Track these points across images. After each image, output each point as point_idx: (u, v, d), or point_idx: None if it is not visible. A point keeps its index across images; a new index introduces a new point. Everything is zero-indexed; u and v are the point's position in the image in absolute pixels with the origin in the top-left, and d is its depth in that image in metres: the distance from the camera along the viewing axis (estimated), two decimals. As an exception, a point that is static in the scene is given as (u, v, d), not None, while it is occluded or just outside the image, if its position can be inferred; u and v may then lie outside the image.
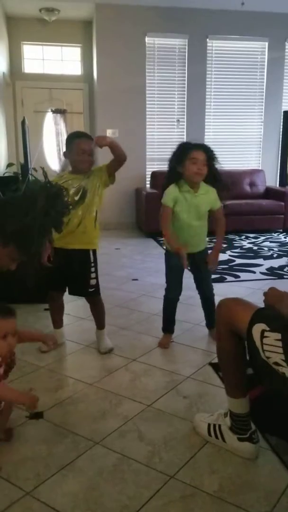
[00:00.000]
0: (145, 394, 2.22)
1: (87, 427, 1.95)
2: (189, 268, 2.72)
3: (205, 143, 2.71)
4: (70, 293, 2.75)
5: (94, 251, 2.66)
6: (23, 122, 3.78)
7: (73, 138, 2.59)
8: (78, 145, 2.54)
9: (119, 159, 2.54)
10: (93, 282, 2.66)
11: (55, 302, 2.82)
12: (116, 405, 2.14)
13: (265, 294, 1.65)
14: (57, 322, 2.85)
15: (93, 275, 2.65)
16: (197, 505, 1.53)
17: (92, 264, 2.64)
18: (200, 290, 2.90)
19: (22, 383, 2.33)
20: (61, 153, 6.65)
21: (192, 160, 2.57)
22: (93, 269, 2.65)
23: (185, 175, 2.62)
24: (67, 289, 2.77)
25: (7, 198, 1.75)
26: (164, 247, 2.85)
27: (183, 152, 2.62)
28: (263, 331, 1.51)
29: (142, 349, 2.74)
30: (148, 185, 6.96)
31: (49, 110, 6.93)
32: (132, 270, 4.62)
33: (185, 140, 7.03)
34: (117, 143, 2.52)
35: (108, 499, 1.56)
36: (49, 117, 6.87)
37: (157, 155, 7.10)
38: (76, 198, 2.53)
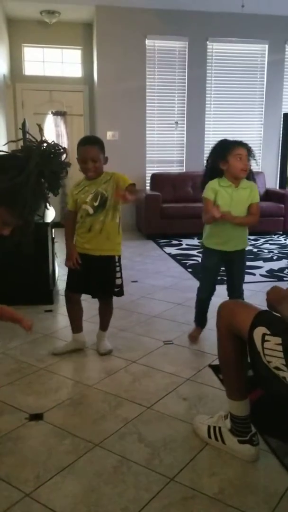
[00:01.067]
0: (145, 396, 2.22)
1: (86, 429, 1.95)
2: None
3: (239, 140, 2.68)
4: (94, 296, 2.74)
5: (119, 257, 2.69)
6: (23, 124, 3.78)
7: (78, 146, 2.49)
8: (80, 153, 2.46)
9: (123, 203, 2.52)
10: (118, 281, 2.68)
11: (73, 304, 2.76)
12: (116, 407, 2.13)
13: (267, 293, 1.65)
14: (77, 326, 2.77)
15: (118, 274, 2.67)
16: (197, 507, 1.53)
17: (117, 264, 2.68)
18: (229, 292, 2.84)
19: (22, 384, 2.32)
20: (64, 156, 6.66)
21: (237, 156, 2.56)
22: (118, 269, 2.68)
23: (228, 171, 2.60)
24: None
25: (2, 155, 1.64)
26: (199, 243, 2.83)
27: (225, 148, 2.60)
28: (264, 335, 1.51)
29: (142, 351, 2.74)
30: (148, 187, 6.96)
31: (50, 112, 6.93)
32: (131, 272, 4.62)
33: (185, 142, 7.06)
34: (134, 199, 2.52)
35: (108, 501, 1.55)
36: (50, 119, 6.87)
37: (156, 157, 7.11)
38: (95, 203, 2.52)
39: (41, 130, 1.72)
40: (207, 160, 2.73)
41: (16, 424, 1.97)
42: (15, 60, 6.93)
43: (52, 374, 2.46)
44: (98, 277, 2.65)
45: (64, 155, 1.70)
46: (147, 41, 6.68)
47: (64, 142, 6.77)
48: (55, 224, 3.96)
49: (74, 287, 2.72)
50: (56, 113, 6.94)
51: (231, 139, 2.67)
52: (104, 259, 2.62)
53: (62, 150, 1.69)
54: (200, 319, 2.88)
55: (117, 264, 2.68)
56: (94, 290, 2.70)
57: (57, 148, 1.68)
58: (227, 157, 2.58)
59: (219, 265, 2.77)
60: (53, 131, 6.93)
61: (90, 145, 2.51)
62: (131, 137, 6.73)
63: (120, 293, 2.72)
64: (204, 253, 2.80)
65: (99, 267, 2.63)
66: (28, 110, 6.84)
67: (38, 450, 1.81)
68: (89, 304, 2.90)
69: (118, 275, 2.67)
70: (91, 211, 2.54)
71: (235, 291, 2.80)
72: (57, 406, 2.13)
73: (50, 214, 3.77)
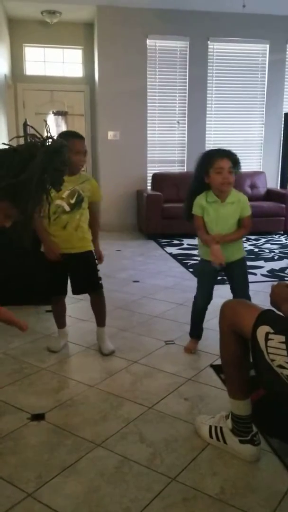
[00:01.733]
0: (146, 396, 2.22)
1: (88, 429, 1.95)
2: (219, 268, 2.60)
3: (227, 149, 2.61)
4: (75, 293, 2.74)
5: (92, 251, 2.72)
6: (25, 124, 3.78)
7: (68, 138, 2.46)
8: (74, 145, 2.47)
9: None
10: (99, 274, 2.71)
11: (57, 305, 2.83)
12: (117, 407, 2.13)
13: (272, 289, 1.65)
14: (61, 323, 2.86)
15: (97, 267, 2.71)
16: (199, 507, 1.53)
17: (95, 258, 2.72)
18: (233, 292, 2.78)
19: (24, 384, 2.33)
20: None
21: (216, 170, 2.49)
22: (96, 261, 2.72)
23: (211, 185, 2.55)
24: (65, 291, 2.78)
25: (5, 150, 1.66)
26: (198, 254, 2.81)
27: (207, 162, 2.54)
28: (267, 334, 1.51)
29: (143, 351, 2.74)
30: (149, 187, 6.96)
31: (51, 112, 6.94)
32: (133, 272, 4.62)
33: (186, 141, 7.05)
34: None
35: (110, 501, 1.55)
36: (51, 119, 6.88)
37: (158, 157, 7.11)
38: (72, 201, 2.55)
39: (47, 126, 1.73)
40: (194, 174, 2.67)
41: (18, 424, 1.98)
42: (16, 60, 6.94)
43: (53, 374, 2.46)
44: (82, 272, 2.67)
45: (67, 154, 1.71)
46: (148, 41, 6.68)
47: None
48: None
49: (57, 290, 2.75)
50: (57, 113, 6.95)
51: (217, 149, 2.62)
52: (82, 255, 2.65)
53: (66, 148, 1.70)
54: (197, 330, 2.81)
55: (95, 258, 2.72)
56: (80, 286, 2.72)
57: (61, 145, 1.69)
58: (209, 170, 2.52)
59: (216, 273, 2.70)
60: (54, 131, 6.94)
61: (81, 139, 2.58)
62: (132, 137, 6.73)
63: (102, 286, 2.75)
64: (200, 261, 2.79)
65: (80, 264, 2.64)
66: (29, 110, 6.85)
67: (40, 450, 1.81)
68: (88, 304, 2.90)
69: (98, 267, 2.72)
70: (67, 208, 2.55)
71: (240, 298, 2.76)
72: (59, 406, 2.13)
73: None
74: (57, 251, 2.57)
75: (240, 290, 2.69)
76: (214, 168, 2.50)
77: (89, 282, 2.70)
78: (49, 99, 6.99)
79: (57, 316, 2.85)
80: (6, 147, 1.63)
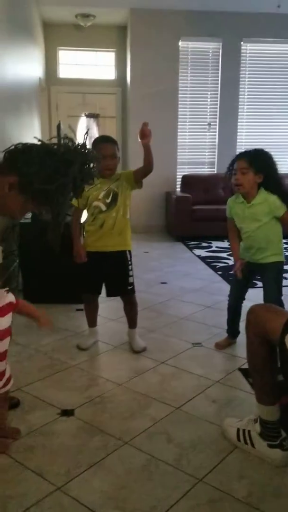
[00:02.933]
0: (173, 397, 2.23)
1: (116, 427, 1.98)
2: (240, 277, 2.66)
3: (249, 150, 2.60)
4: (108, 295, 2.79)
5: (130, 252, 2.74)
6: (58, 126, 3.84)
7: (97, 143, 2.62)
8: (100, 150, 2.55)
9: (147, 167, 2.54)
10: (131, 280, 2.74)
11: (90, 303, 2.88)
12: (145, 406, 2.15)
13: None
14: (92, 322, 2.90)
15: (130, 273, 2.73)
16: (225, 510, 1.53)
17: (129, 263, 2.73)
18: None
19: (54, 380, 2.37)
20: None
21: (233, 171, 2.53)
22: (130, 267, 2.73)
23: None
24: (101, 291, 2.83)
25: (44, 151, 1.68)
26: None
27: (231, 164, 2.58)
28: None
29: (171, 352, 2.75)
30: (178, 189, 6.96)
31: (83, 115, 7.03)
32: (160, 273, 4.64)
33: (216, 143, 7.03)
34: (151, 150, 2.53)
35: (137, 498, 1.57)
36: (83, 121, 6.97)
37: (188, 158, 7.11)
38: (108, 200, 2.60)
39: (87, 133, 1.77)
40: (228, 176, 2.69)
41: (48, 419, 2.02)
42: (50, 63, 7.06)
43: (83, 371, 2.50)
44: (113, 274, 2.71)
45: (96, 165, 1.74)
46: (180, 43, 6.69)
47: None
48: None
49: (91, 288, 2.79)
50: (89, 116, 7.03)
51: (249, 149, 2.63)
52: (117, 255, 2.68)
53: (97, 161, 1.73)
54: (230, 327, 2.86)
55: (129, 261, 2.73)
56: (109, 288, 2.76)
57: (94, 156, 1.72)
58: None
59: (250, 274, 2.72)
60: (86, 133, 7.02)
61: (111, 143, 2.62)
62: (163, 138, 6.73)
63: (133, 291, 2.78)
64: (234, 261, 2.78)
65: (112, 264, 2.68)
66: (62, 113, 6.96)
67: (69, 445, 1.85)
68: (118, 304, 2.93)
69: (130, 273, 2.73)
70: (103, 207, 2.60)
71: (269, 302, 2.75)
72: (88, 403, 2.17)
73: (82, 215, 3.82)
74: (83, 256, 2.66)
75: (269, 294, 2.65)
76: (234, 169, 2.54)
77: (121, 286, 2.74)
78: (82, 102, 7.09)
79: (89, 315, 2.89)
80: (40, 143, 1.66)
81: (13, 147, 1.64)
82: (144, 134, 2.48)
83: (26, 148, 1.64)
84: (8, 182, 1.58)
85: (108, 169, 2.60)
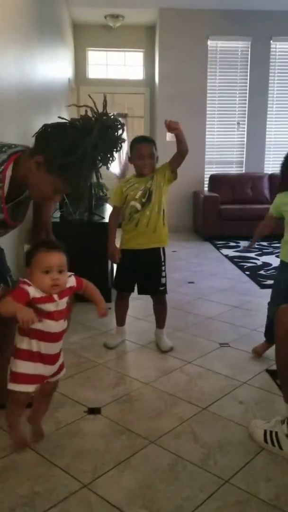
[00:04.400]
0: (200, 397, 2.22)
1: (142, 426, 1.98)
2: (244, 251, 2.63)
3: None
4: (140, 292, 2.80)
5: (164, 249, 2.74)
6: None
7: (134, 143, 2.67)
8: (138, 150, 2.63)
9: (182, 152, 2.57)
10: (163, 280, 2.74)
11: (121, 302, 2.89)
12: (171, 405, 2.15)
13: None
14: (121, 321, 2.91)
15: (163, 273, 2.74)
16: (252, 511, 1.52)
17: (163, 263, 2.73)
18: None
19: (81, 378, 2.40)
20: (122, 157, 6.73)
21: None
22: (163, 268, 2.73)
23: None
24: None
25: (64, 125, 1.67)
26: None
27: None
28: None
29: (198, 352, 2.74)
30: (206, 188, 6.93)
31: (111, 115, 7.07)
32: (188, 273, 4.62)
33: (245, 143, 6.97)
34: (183, 134, 2.54)
35: (163, 498, 1.57)
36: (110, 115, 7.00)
37: (216, 158, 7.07)
38: (143, 200, 2.62)
39: (105, 101, 1.77)
40: (281, 170, 2.62)
41: (76, 417, 2.04)
42: (80, 64, 7.13)
43: (109, 370, 2.52)
44: (145, 272, 2.72)
45: (121, 131, 1.73)
46: (209, 42, 6.65)
47: (124, 145, 6.89)
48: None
49: (123, 286, 2.81)
50: (117, 115, 7.06)
51: (278, 148, 2.61)
52: (150, 253, 2.69)
53: (120, 125, 1.73)
54: (269, 333, 2.68)
55: (163, 261, 2.72)
56: (141, 286, 2.77)
57: (116, 122, 1.71)
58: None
59: None
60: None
61: (147, 143, 2.66)
62: (191, 138, 6.61)
63: (165, 291, 2.78)
64: (279, 264, 2.63)
65: (145, 261, 2.69)
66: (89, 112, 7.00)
67: (95, 443, 1.86)
68: (145, 304, 2.94)
69: (163, 273, 2.73)
70: (139, 207, 2.63)
71: None
72: (115, 402, 2.18)
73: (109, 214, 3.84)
74: (117, 256, 2.69)
75: None
76: None
77: (153, 285, 2.75)
78: (110, 102, 7.08)
79: (119, 313, 2.91)
80: (64, 118, 1.69)
81: (40, 130, 1.67)
82: (170, 128, 2.50)
83: (47, 127, 1.67)
84: (34, 162, 1.61)
85: (145, 168, 2.63)
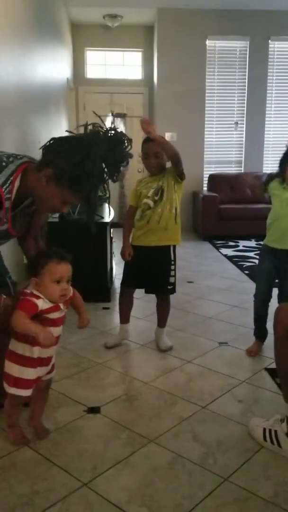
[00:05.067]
0: (200, 396, 2.23)
1: (142, 425, 1.99)
2: None
3: None
4: (147, 291, 2.80)
5: (175, 248, 2.75)
6: (85, 126, 3.89)
7: (143, 143, 2.68)
8: (142, 150, 2.65)
9: (168, 156, 2.56)
10: (172, 280, 2.74)
11: (126, 298, 2.88)
12: (171, 405, 2.16)
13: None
14: (126, 318, 2.90)
15: (172, 273, 2.74)
16: (251, 509, 1.53)
17: (172, 262, 2.73)
18: (279, 298, 2.74)
19: (81, 378, 2.40)
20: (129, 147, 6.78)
21: None
22: (173, 267, 2.73)
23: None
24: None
25: (73, 139, 1.71)
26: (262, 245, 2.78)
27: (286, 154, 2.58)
28: None
29: (197, 351, 2.75)
30: (205, 188, 6.94)
31: (110, 114, 7.07)
32: (187, 272, 4.62)
33: (243, 142, 6.98)
34: (163, 141, 2.53)
35: (163, 496, 1.58)
36: (110, 121, 7.01)
37: (215, 157, 7.08)
38: (156, 197, 2.64)
39: (113, 115, 1.79)
40: (279, 165, 2.66)
41: (75, 416, 2.04)
42: (78, 64, 7.14)
43: (109, 369, 2.52)
44: (153, 270, 2.71)
45: (129, 146, 1.75)
46: (207, 42, 6.66)
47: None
48: (113, 224, 4.05)
49: (130, 282, 2.81)
50: (116, 115, 7.07)
51: (276, 148, 2.66)
52: (160, 250, 2.69)
53: (127, 141, 1.74)
54: (257, 329, 2.79)
55: (173, 261, 2.72)
56: (149, 284, 2.76)
57: (123, 138, 1.73)
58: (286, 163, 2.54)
59: (274, 267, 2.65)
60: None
61: (150, 142, 2.62)
62: (190, 138, 6.72)
63: (173, 291, 2.78)
64: (260, 254, 2.78)
65: (155, 259, 2.70)
66: (90, 112, 7.01)
67: (95, 442, 1.87)
68: (145, 303, 2.95)
69: (172, 273, 2.73)
70: (152, 204, 2.64)
71: (284, 296, 2.71)
72: (114, 401, 2.18)
73: (109, 214, 3.85)
74: (129, 255, 2.70)
75: (286, 284, 2.64)
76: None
77: (161, 284, 2.74)
78: (109, 101, 7.13)
79: (124, 310, 2.89)
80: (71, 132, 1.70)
81: (48, 143, 1.68)
82: (144, 130, 2.48)
83: (57, 140, 1.69)
84: (44, 175, 1.62)
85: (151, 167, 2.65)
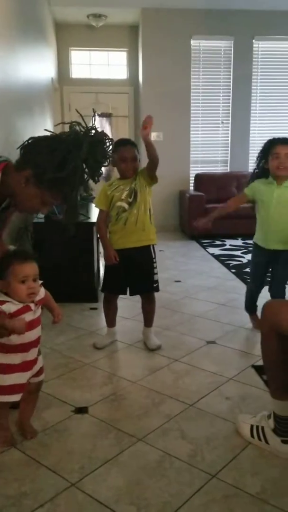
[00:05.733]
0: (187, 394, 2.24)
1: (130, 424, 1.99)
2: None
3: None
4: (132, 293, 2.80)
5: (154, 247, 2.76)
6: (71, 126, 3.88)
7: (117, 146, 2.64)
8: (120, 153, 2.62)
9: (151, 159, 2.56)
10: (156, 277, 2.76)
11: (111, 304, 2.88)
12: (159, 403, 2.16)
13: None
14: (112, 322, 2.91)
15: (155, 270, 2.75)
16: (239, 505, 1.54)
17: (154, 260, 2.75)
18: (270, 292, 2.84)
19: (68, 379, 2.40)
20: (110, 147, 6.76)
21: (274, 155, 2.60)
22: (155, 265, 2.75)
23: (270, 171, 2.66)
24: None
25: (53, 139, 1.67)
26: (253, 241, 2.93)
27: (267, 147, 2.66)
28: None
29: (185, 350, 2.75)
30: (192, 187, 6.95)
31: (96, 114, 7.06)
32: (175, 272, 4.64)
33: (229, 142, 7.01)
34: (152, 143, 2.53)
35: (151, 494, 1.58)
36: (96, 120, 7.00)
37: (201, 157, 7.10)
38: (130, 199, 2.64)
39: (94, 116, 1.78)
40: (256, 161, 2.77)
41: (63, 417, 2.04)
42: (63, 64, 7.11)
43: (96, 369, 2.52)
44: (137, 271, 2.72)
45: (110, 146, 1.75)
46: (192, 42, 6.68)
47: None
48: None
49: (113, 289, 2.81)
50: (101, 115, 7.06)
51: (279, 136, 2.69)
52: (141, 251, 2.70)
53: (109, 140, 1.74)
54: (250, 307, 3.01)
55: (154, 258, 2.74)
56: (133, 286, 2.77)
57: (104, 137, 1.72)
58: (268, 156, 2.63)
59: (267, 262, 2.80)
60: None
61: (130, 146, 2.66)
62: (176, 137, 6.74)
63: (158, 288, 2.79)
64: (252, 248, 2.91)
65: (137, 260, 2.70)
66: (74, 112, 6.96)
67: (83, 442, 1.86)
68: (132, 303, 2.95)
69: (155, 271, 2.75)
70: (126, 206, 2.64)
71: (275, 294, 2.77)
72: (102, 401, 2.18)
73: (95, 214, 3.84)
74: (114, 258, 2.68)
75: (275, 282, 2.76)
76: (272, 153, 2.61)
77: (145, 284, 2.75)
78: (94, 101, 7.11)
79: (109, 315, 2.90)
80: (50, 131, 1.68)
81: (26, 142, 1.67)
82: (145, 129, 2.49)
83: (35, 140, 1.67)
84: (23, 176, 1.61)
85: (128, 171, 2.64)
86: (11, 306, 1.68)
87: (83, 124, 1.73)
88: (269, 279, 2.86)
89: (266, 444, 1.79)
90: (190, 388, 2.30)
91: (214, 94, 6.96)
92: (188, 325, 3.18)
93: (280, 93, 7.02)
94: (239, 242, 6.02)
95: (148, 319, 2.86)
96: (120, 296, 2.86)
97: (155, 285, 2.76)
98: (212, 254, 5.44)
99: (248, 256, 5.21)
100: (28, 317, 1.72)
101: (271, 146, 2.63)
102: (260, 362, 2.52)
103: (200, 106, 6.96)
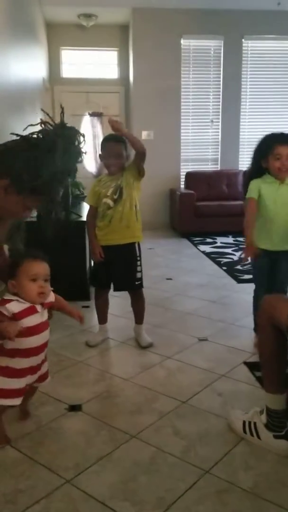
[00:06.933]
0: (180, 391, 2.25)
1: (123, 421, 2.00)
2: (247, 261, 2.62)
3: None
4: (115, 289, 2.82)
5: (139, 244, 2.77)
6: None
7: (104, 142, 2.69)
8: (106, 148, 2.65)
9: (136, 150, 2.59)
10: (139, 275, 2.77)
11: (101, 298, 2.91)
12: (152, 400, 2.18)
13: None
14: (103, 318, 2.93)
15: (138, 268, 2.76)
16: (232, 500, 1.55)
17: (138, 258, 2.76)
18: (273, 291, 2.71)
19: (61, 376, 2.40)
20: (98, 156, 6.75)
21: (275, 156, 2.50)
22: (138, 263, 2.76)
23: (269, 170, 2.56)
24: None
25: (26, 144, 1.64)
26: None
27: (267, 146, 2.55)
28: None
29: (177, 347, 2.77)
30: (182, 186, 6.98)
31: (87, 114, 7.05)
32: (166, 269, 4.66)
33: (219, 140, 7.04)
34: (131, 135, 2.57)
35: (145, 490, 1.59)
36: (87, 120, 6.99)
37: (191, 155, 7.13)
38: (115, 196, 2.65)
39: (62, 112, 1.77)
40: (252, 158, 2.68)
41: (56, 414, 2.05)
42: (54, 63, 7.10)
43: (89, 367, 2.53)
44: (120, 268, 2.74)
45: (83, 142, 1.75)
46: (182, 41, 6.70)
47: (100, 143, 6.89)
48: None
49: (99, 283, 2.85)
50: (92, 114, 7.05)
51: (275, 132, 2.62)
52: (125, 248, 2.72)
53: (80, 136, 1.74)
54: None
55: (138, 257, 2.75)
56: (116, 282, 2.79)
57: (77, 134, 1.72)
58: (268, 156, 2.54)
59: (270, 265, 2.65)
60: (90, 132, 7.04)
61: (115, 142, 2.65)
62: (166, 136, 6.76)
63: (141, 286, 2.81)
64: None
65: (121, 257, 2.72)
66: (65, 112, 6.95)
67: (77, 440, 1.87)
68: (123, 300, 2.96)
69: (138, 268, 2.76)
70: (111, 204, 2.66)
71: (277, 290, 2.73)
72: (95, 398, 2.19)
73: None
74: (100, 254, 2.71)
75: (278, 283, 2.67)
76: (272, 154, 2.51)
77: (128, 281, 2.77)
78: (85, 101, 7.11)
79: (100, 310, 2.93)
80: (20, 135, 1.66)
81: None
82: (114, 128, 2.53)
83: (8, 148, 1.65)
84: (1, 186, 1.60)
85: (111, 167, 2.66)
86: (15, 306, 1.68)
87: (51, 123, 1.73)
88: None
89: (258, 440, 1.82)
90: (182, 385, 2.32)
91: (204, 93, 6.99)
92: (180, 322, 3.20)
93: (269, 91, 7.07)
94: (230, 239, 6.06)
95: (138, 316, 2.88)
96: (111, 294, 2.88)
97: (137, 283, 2.77)
98: (203, 252, 5.47)
99: (239, 253, 5.25)
100: (34, 319, 1.72)
101: (271, 145, 2.54)
102: (252, 359, 2.55)
103: (191, 105, 6.99)
